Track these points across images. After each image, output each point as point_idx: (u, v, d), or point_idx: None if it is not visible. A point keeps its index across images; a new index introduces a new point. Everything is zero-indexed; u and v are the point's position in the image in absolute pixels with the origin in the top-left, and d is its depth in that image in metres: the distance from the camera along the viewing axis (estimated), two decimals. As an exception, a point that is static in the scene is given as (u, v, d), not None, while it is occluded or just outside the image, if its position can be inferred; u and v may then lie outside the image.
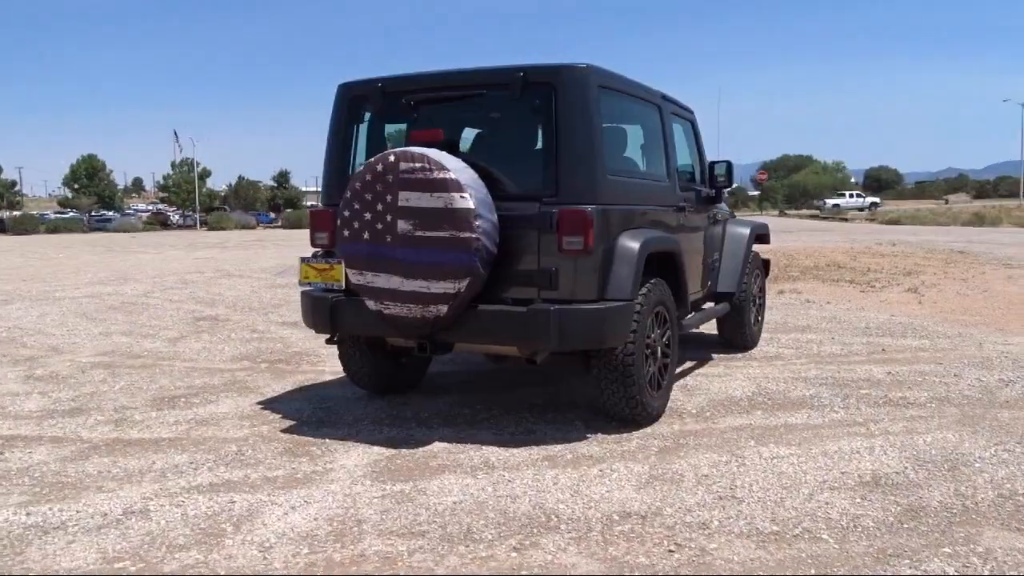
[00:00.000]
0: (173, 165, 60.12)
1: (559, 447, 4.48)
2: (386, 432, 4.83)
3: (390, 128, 5.18)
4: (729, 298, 6.65)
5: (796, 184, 79.77)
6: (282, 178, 65.40)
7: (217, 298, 11.66)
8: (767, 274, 7.74)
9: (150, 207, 72.23)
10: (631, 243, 4.55)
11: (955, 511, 3.54)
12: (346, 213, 4.56)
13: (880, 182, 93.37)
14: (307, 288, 5.09)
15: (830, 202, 61.32)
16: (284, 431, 4.89)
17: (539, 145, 4.60)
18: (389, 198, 4.41)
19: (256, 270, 16.67)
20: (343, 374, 6.22)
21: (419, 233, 4.35)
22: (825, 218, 44.67)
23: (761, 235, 7.27)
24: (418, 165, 4.32)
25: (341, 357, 5.47)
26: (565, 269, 4.36)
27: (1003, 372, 6.23)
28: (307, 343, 7.79)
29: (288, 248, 25.02)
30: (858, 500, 3.67)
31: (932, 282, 12.17)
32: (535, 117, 4.59)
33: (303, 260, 5.09)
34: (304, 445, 4.60)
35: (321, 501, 3.75)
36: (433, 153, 4.36)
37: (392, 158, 4.40)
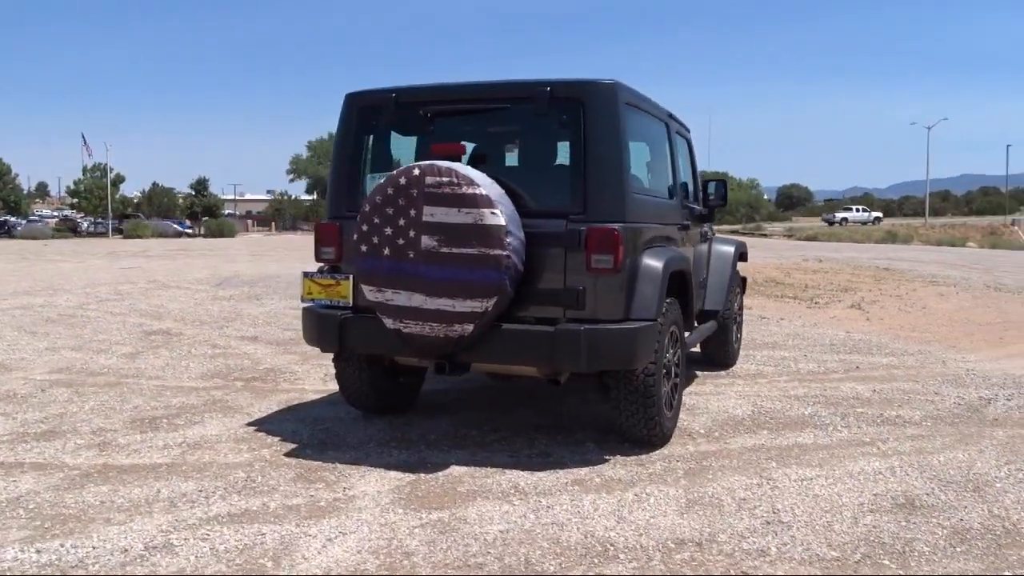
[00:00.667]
0: (85, 170, 57.65)
1: (584, 470, 4.38)
2: (396, 455, 4.64)
3: (404, 140, 5.02)
4: (715, 316, 6.67)
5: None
6: (200, 185, 63.50)
7: (160, 311, 11.17)
8: (744, 291, 7.82)
9: (56, 213, 69.10)
10: (655, 262, 4.50)
11: (998, 533, 3.58)
12: (364, 227, 4.38)
13: (792, 199, 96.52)
14: (309, 304, 4.87)
15: (839, 215, 66.71)
16: (288, 455, 4.65)
17: (565, 161, 4.52)
18: (413, 213, 4.25)
19: (191, 281, 16.07)
20: (326, 392, 6.03)
21: (445, 250, 4.20)
22: (748, 234, 45.95)
23: (743, 253, 7.34)
24: (445, 179, 4.18)
25: (339, 375, 5.25)
26: (592, 288, 4.27)
27: (978, 390, 6.42)
28: (276, 359, 7.50)
29: (217, 258, 24.27)
30: (903, 523, 3.68)
31: (871, 299, 12.56)
32: (561, 132, 4.51)
33: (306, 275, 4.88)
34: (315, 470, 4.38)
35: (357, 532, 3.56)
36: (460, 167, 4.23)
37: (417, 171, 4.24)
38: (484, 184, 4.18)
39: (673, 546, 3.42)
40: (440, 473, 4.34)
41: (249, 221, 68.03)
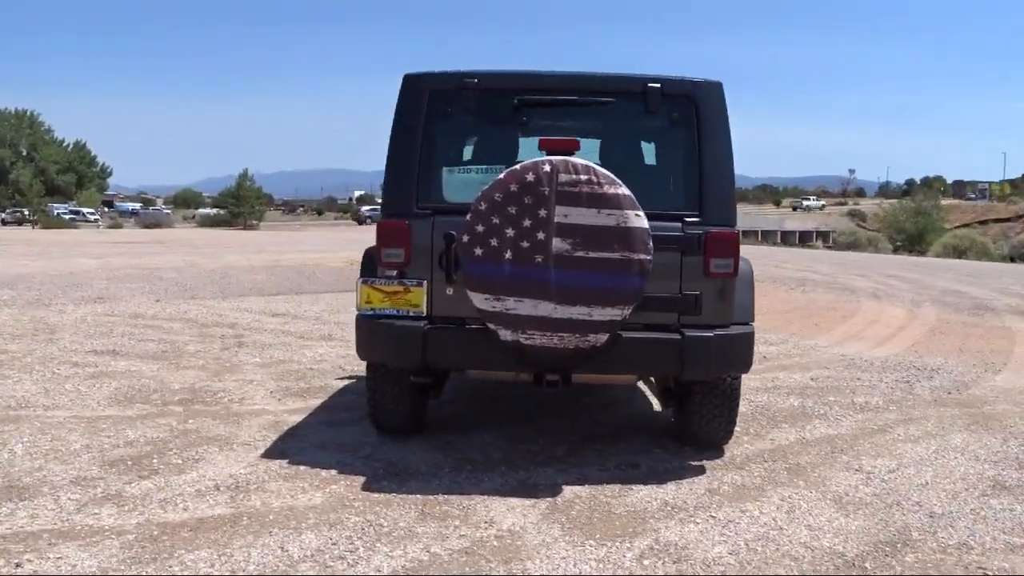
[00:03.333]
0: None
1: (698, 479, 4.30)
2: (492, 479, 4.22)
3: (486, 131, 4.53)
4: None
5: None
6: None
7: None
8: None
9: None
10: (746, 266, 4.50)
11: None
12: (479, 228, 3.92)
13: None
14: (368, 314, 4.26)
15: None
16: (370, 490, 4.05)
17: (677, 161, 4.36)
18: (542, 213, 3.88)
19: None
20: (297, 411, 5.37)
21: (581, 253, 3.88)
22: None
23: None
24: (583, 178, 3.86)
25: (377, 395, 4.64)
26: (709, 293, 4.18)
27: (896, 373, 7.20)
28: (179, 376, 6.44)
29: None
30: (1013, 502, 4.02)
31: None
32: (672, 131, 4.35)
33: (365, 281, 4.27)
34: (429, 505, 3.86)
35: (577, 570, 3.18)
36: (595, 166, 3.93)
37: (548, 168, 3.87)
38: (623, 184, 3.91)
39: (889, 549, 3.46)
40: (563, 496, 4.02)
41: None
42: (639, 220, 3.88)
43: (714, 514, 3.79)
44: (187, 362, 7.01)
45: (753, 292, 4.44)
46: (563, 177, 3.86)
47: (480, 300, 3.96)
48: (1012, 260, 29.10)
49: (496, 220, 3.90)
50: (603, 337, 3.96)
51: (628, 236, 3.86)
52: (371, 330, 4.24)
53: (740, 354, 4.20)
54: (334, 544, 3.40)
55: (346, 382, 6.36)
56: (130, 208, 73.64)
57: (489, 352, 4.12)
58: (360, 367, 6.76)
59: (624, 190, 3.88)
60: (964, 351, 8.60)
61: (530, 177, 3.88)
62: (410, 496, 3.95)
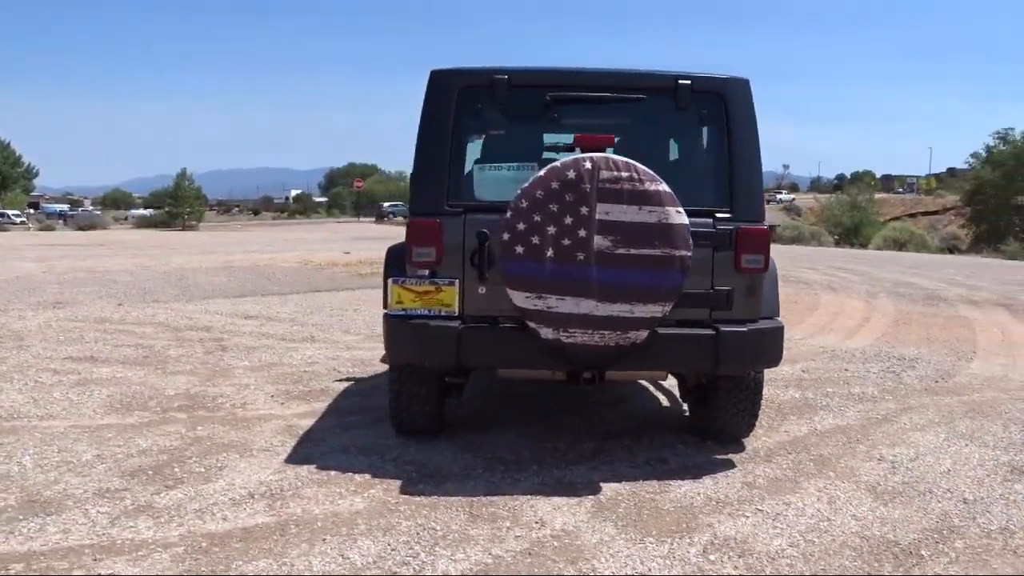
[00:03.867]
0: None
1: (734, 473, 4.34)
2: (530, 479, 4.20)
3: (514, 127, 4.49)
4: None
5: (364, 192, 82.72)
6: None
7: None
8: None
9: None
10: (771, 262, 4.55)
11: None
12: (520, 226, 3.89)
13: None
14: (399, 314, 4.19)
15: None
16: (409, 494, 3.98)
17: (706, 157, 4.38)
18: (584, 210, 3.87)
19: None
20: (305, 414, 5.25)
21: (622, 251, 3.88)
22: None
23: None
24: (624, 174, 3.87)
25: (401, 396, 4.58)
26: (740, 288, 4.22)
27: (879, 363, 7.39)
28: (169, 381, 6.25)
29: None
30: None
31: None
32: (701, 128, 4.38)
33: (395, 282, 4.20)
34: (475, 507, 3.81)
35: (653, 568, 3.19)
36: (635, 162, 3.93)
37: (589, 164, 3.87)
38: (663, 180, 3.93)
39: (937, 536, 3.55)
40: (605, 493, 4.02)
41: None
42: (679, 216, 3.89)
43: (760, 507, 3.83)
44: (173, 367, 6.80)
45: (777, 287, 4.50)
46: (604, 174, 3.85)
47: (521, 299, 3.93)
48: (950, 251, 30.16)
49: (537, 218, 3.88)
50: (643, 334, 3.96)
51: (669, 232, 3.88)
52: (403, 330, 4.17)
53: (772, 348, 4.26)
54: (393, 550, 3.34)
55: (345, 384, 6.25)
56: (58, 210, 71.09)
57: (524, 351, 4.10)
58: (356, 369, 6.69)
59: (664, 186, 3.89)
60: (932, 340, 8.86)
61: (571, 174, 3.86)
62: (452, 498, 3.90)
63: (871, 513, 3.79)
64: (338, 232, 36.25)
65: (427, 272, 4.19)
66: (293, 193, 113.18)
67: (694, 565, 3.23)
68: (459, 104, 4.24)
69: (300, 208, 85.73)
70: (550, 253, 3.88)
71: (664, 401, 5.89)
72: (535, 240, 3.88)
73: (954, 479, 4.27)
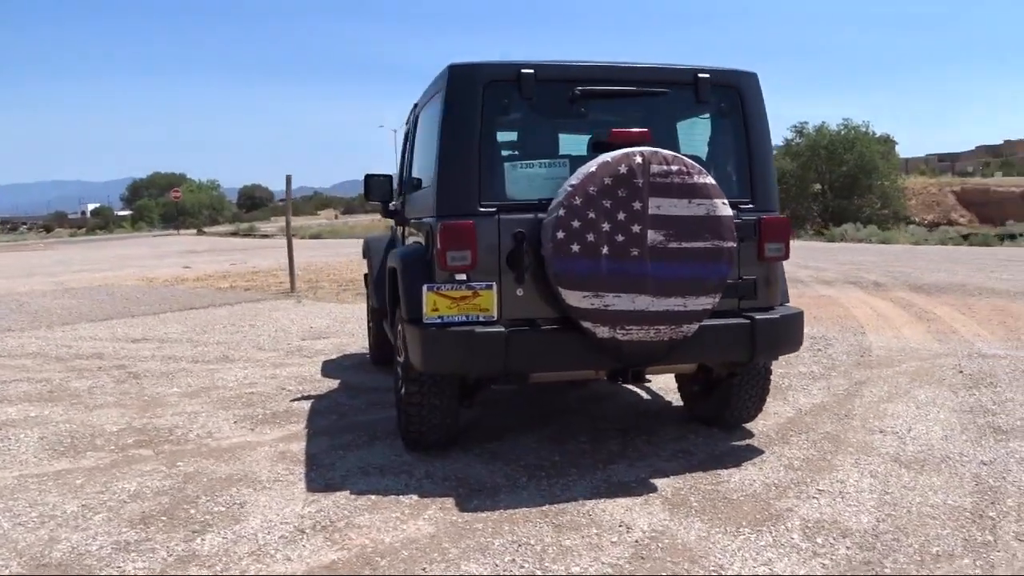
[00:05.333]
0: None
1: (768, 458, 4.43)
2: (579, 484, 4.10)
3: (540, 122, 4.34)
4: None
5: (171, 203, 78.32)
6: None
7: None
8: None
9: None
10: None
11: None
12: (575, 224, 3.78)
13: (253, 199, 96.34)
14: (436, 322, 3.98)
15: None
16: (469, 511, 3.79)
17: (726, 150, 4.43)
18: (637, 205, 3.82)
19: None
20: (297, 443, 4.91)
21: (674, 245, 3.87)
22: (246, 235, 45.20)
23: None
24: (674, 168, 3.86)
25: (422, 409, 4.33)
26: (763, 277, 4.33)
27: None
28: (111, 417, 5.62)
29: None
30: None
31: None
32: (720, 121, 4.42)
33: (430, 288, 3.98)
34: (545, 517, 3.67)
35: (776, 556, 3.20)
36: (682, 156, 3.93)
37: (639, 159, 3.83)
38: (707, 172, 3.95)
39: (988, 498, 3.79)
40: (663, 490, 3.99)
41: None
42: (725, 208, 3.93)
43: (819, 488, 3.94)
44: (92, 400, 6.10)
45: (785, 274, 4.63)
46: (655, 168, 3.82)
47: (577, 298, 3.82)
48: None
49: (591, 215, 3.79)
50: (694, 327, 3.97)
51: (717, 225, 3.90)
52: (444, 339, 3.94)
53: (797, 334, 4.38)
54: (505, 570, 3.14)
55: (306, 404, 5.86)
56: None
57: (573, 352, 4.00)
58: (304, 388, 6.29)
59: (711, 179, 3.92)
60: (820, 319, 9.46)
61: (623, 169, 3.80)
62: (519, 510, 3.74)
63: (915, 483, 3.98)
64: (161, 247, 33.95)
65: (463, 277, 3.99)
66: (91, 207, 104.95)
67: (808, 551, 3.26)
68: (486, 100, 4.07)
69: (101, 223, 79.60)
70: (605, 250, 3.80)
71: (643, 394, 5.93)
72: (590, 238, 3.79)
73: (957, 444, 4.57)
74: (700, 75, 4.26)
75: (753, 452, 4.50)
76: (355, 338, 8.63)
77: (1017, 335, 8.04)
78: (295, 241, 15.65)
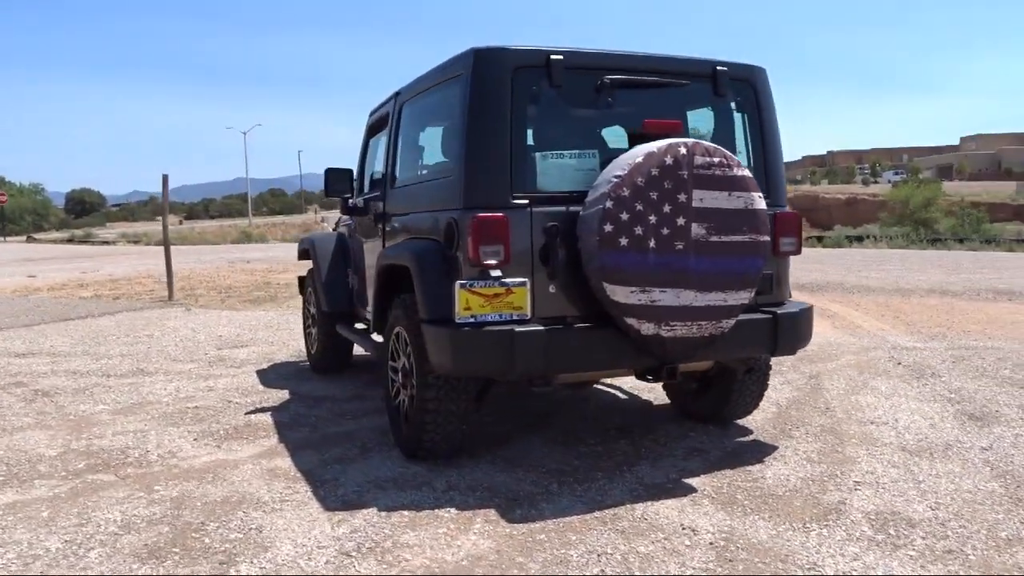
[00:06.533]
0: None
1: (785, 453, 4.42)
2: (615, 488, 3.95)
3: (566, 110, 4.13)
4: None
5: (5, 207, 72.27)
6: None
7: None
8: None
9: None
10: None
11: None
12: (623, 216, 3.64)
13: (84, 204, 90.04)
14: (469, 322, 3.74)
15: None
16: (517, 522, 3.55)
17: (743, 143, 4.39)
18: (682, 197, 3.73)
19: None
20: (282, 459, 4.55)
21: (715, 238, 3.80)
22: (83, 241, 42.11)
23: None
24: (716, 159, 3.79)
25: (435, 416, 4.06)
26: (777, 272, 4.35)
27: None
28: (38, 441, 4.97)
29: None
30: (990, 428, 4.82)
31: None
32: (735, 115, 4.38)
33: (462, 286, 3.73)
34: (603, 524, 3.51)
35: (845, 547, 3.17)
36: (719, 147, 3.87)
37: (684, 150, 3.73)
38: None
39: (1011, 480, 3.93)
40: (704, 489, 3.91)
41: None
42: (761, 202, 3.89)
43: (856, 479, 3.96)
44: (6, 423, 5.38)
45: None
46: (698, 159, 3.73)
47: (624, 294, 3.67)
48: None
49: (639, 207, 3.65)
50: (732, 322, 3.91)
51: (755, 218, 3.86)
52: (479, 340, 3.69)
53: (810, 328, 4.41)
54: (601, 583, 2.95)
55: (265, 417, 5.40)
56: None
57: (609, 350, 3.85)
58: (251, 400, 5.85)
59: (748, 172, 3.87)
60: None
61: (669, 160, 3.69)
62: (568, 519, 3.55)
63: (939, 470, 4.08)
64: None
65: (497, 273, 3.76)
66: None
67: (887, 543, 3.24)
68: (515, 86, 3.85)
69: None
70: (652, 243, 3.68)
71: (619, 393, 5.85)
72: (638, 231, 3.65)
73: (946, 432, 4.74)
74: (719, 68, 4.22)
75: (765, 447, 4.50)
76: (276, 346, 8.09)
77: (917, 328, 8.56)
78: (150, 248, 14.65)
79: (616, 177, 3.65)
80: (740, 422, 4.97)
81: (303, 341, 7.41)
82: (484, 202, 3.78)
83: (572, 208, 3.83)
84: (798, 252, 4.36)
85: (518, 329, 3.66)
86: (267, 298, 12.38)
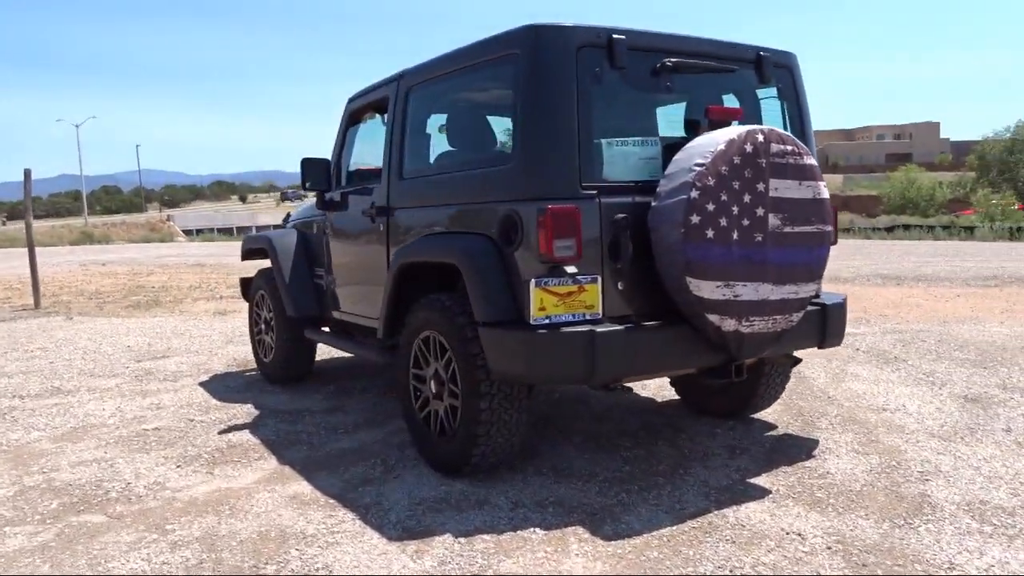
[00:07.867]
0: None
1: (825, 446, 4.36)
2: (675, 491, 3.75)
3: (633, 96, 3.84)
4: None
5: None
6: None
7: None
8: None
9: None
10: None
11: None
12: (709, 207, 3.43)
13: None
14: (545, 323, 3.44)
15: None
16: (613, 538, 3.29)
17: (787, 129, 4.26)
18: (761, 187, 3.56)
19: None
20: (297, 484, 4.14)
21: (789, 229, 3.66)
22: None
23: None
24: (789, 148, 3.64)
25: (485, 427, 3.71)
26: (817, 263, 4.27)
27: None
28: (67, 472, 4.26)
29: None
30: (981, 410, 4.98)
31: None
32: (777, 101, 4.24)
33: (538, 284, 3.43)
34: (697, 530, 3.30)
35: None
36: (791, 135, 3.74)
37: (761, 137, 3.56)
38: (809, 153, 3.80)
39: (1054, 462, 4.02)
40: (778, 489, 3.77)
41: None
42: (826, 191, 3.78)
43: (919, 469, 3.92)
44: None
45: None
46: (773, 148, 3.57)
47: (710, 289, 3.45)
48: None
49: (724, 197, 3.45)
50: (800, 316, 3.79)
51: (821, 208, 3.74)
52: (560, 342, 3.37)
53: (846, 319, 4.36)
54: (756, 602, 2.72)
55: (245, 436, 4.84)
56: None
57: (684, 348, 3.64)
58: (218, 416, 5.33)
59: (815, 160, 3.75)
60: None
61: (749, 148, 3.50)
62: (663, 531, 3.32)
63: (982, 454, 4.12)
64: None
65: (572, 269, 3.46)
66: None
67: (1000, 534, 3.18)
68: (579, 66, 3.55)
69: None
70: (735, 235, 3.49)
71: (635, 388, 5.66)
72: (723, 222, 3.45)
73: (955, 415, 4.82)
74: (762, 53, 4.09)
75: (802, 441, 4.42)
76: (204, 356, 7.37)
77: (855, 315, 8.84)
78: None
79: (698, 165, 3.42)
80: (757, 416, 4.88)
81: (243, 348, 6.77)
82: (550, 192, 3.47)
83: (639, 199, 3.57)
84: (834, 243, 4.28)
85: (599, 330, 3.38)
86: (151, 303, 11.40)
